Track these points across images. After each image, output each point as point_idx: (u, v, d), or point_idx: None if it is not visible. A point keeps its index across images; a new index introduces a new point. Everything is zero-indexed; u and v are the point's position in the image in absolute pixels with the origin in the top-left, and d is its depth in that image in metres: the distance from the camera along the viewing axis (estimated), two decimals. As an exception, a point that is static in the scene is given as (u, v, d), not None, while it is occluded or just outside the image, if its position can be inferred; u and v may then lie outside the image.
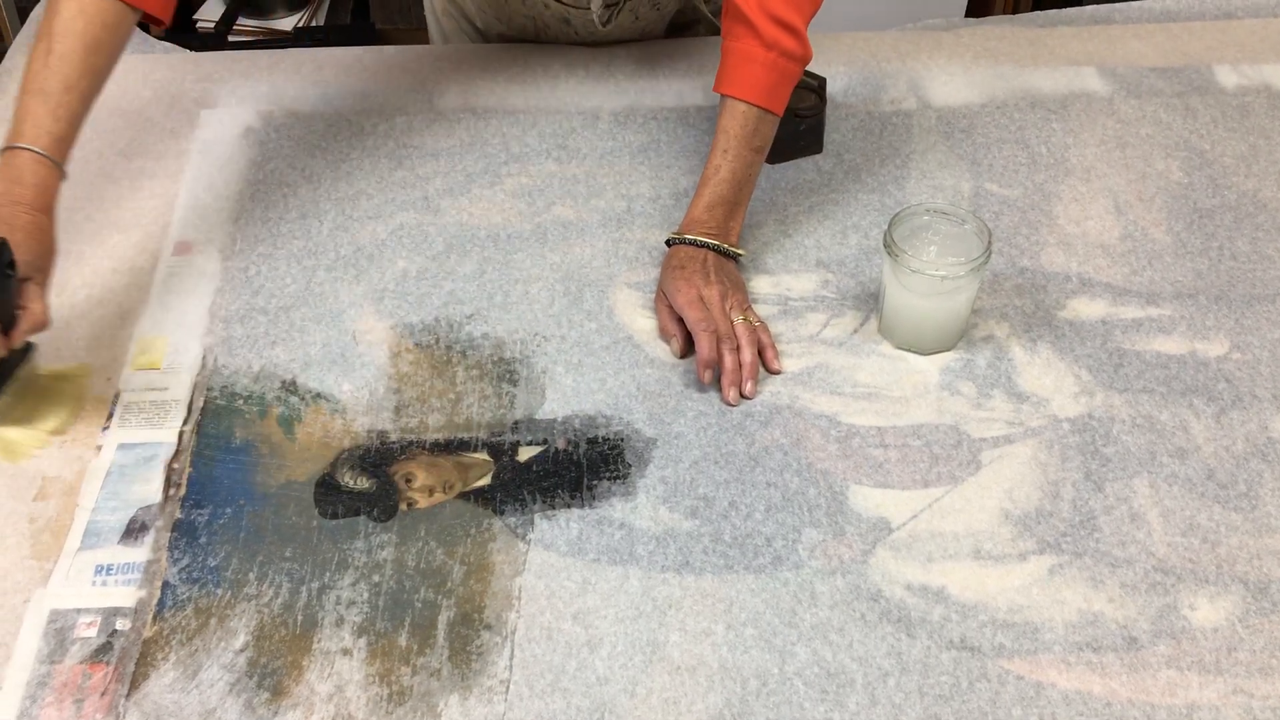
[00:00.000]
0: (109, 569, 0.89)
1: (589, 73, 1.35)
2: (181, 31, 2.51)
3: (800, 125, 1.24)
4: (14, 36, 1.44)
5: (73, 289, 1.11)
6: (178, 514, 0.93)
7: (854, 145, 1.27)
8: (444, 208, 1.20)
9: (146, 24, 1.09)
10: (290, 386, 1.03)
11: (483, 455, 0.98)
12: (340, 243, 1.16)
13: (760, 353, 1.04)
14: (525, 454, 0.98)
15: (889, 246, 1.01)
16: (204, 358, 1.05)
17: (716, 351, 1.02)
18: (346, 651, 0.85)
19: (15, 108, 0.97)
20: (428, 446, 0.98)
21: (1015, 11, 2.53)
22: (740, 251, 1.10)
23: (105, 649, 0.85)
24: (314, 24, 2.60)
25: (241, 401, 1.01)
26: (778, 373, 1.04)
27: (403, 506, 0.94)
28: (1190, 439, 0.99)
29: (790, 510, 0.93)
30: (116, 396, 1.01)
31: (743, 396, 1.02)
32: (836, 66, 1.35)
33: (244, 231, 1.17)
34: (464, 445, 0.98)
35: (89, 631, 0.85)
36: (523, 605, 0.87)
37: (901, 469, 0.97)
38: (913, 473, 0.96)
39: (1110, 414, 1.01)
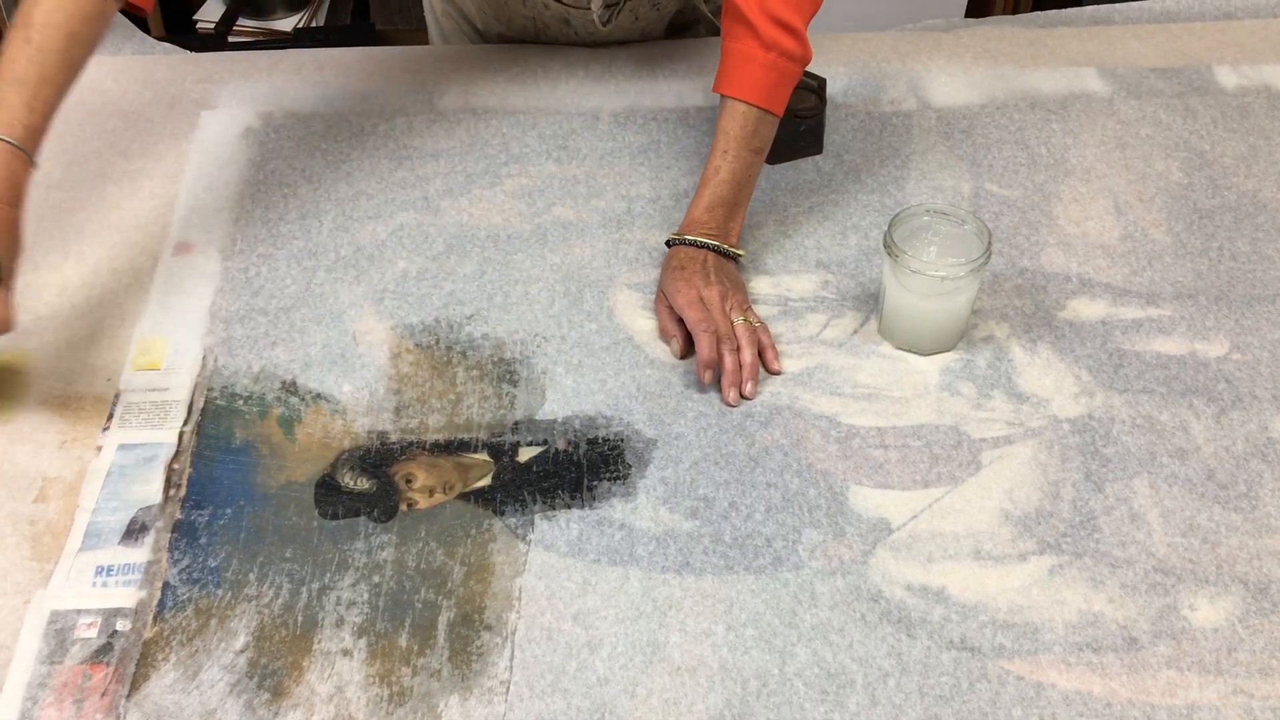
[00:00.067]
0: (109, 570, 0.89)
1: (589, 73, 1.35)
2: (181, 32, 2.51)
3: (800, 126, 1.24)
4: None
5: (73, 289, 1.11)
6: (178, 515, 0.93)
7: (854, 146, 1.28)
8: (444, 208, 1.20)
9: (132, 14, 1.08)
10: (290, 387, 1.03)
11: (483, 456, 0.98)
12: (340, 243, 1.16)
13: (760, 353, 1.04)
14: (525, 455, 0.98)
15: (889, 247, 1.01)
16: (204, 358, 1.05)
17: (716, 352, 1.02)
18: (347, 652, 0.85)
19: None
20: (428, 447, 0.98)
21: (1015, 12, 2.53)
22: (740, 252, 1.10)
23: (105, 650, 0.85)
24: (314, 25, 2.60)
25: (242, 402, 1.01)
26: (778, 373, 1.04)
27: (403, 507, 0.94)
28: (1190, 439, 0.99)
29: (790, 511, 0.93)
30: (117, 397, 1.01)
31: (743, 397, 1.02)
32: (836, 67, 1.35)
33: (244, 232, 1.17)
34: (464, 446, 0.98)
35: (89, 632, 0.85)
36: (523, 606, 0.87)
37: (901, 469, 0.97)
38: (913, 473, 0.96)
39: (1110, 414, 1.01)
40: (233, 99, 1.32)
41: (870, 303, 1.10)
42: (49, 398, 1.01)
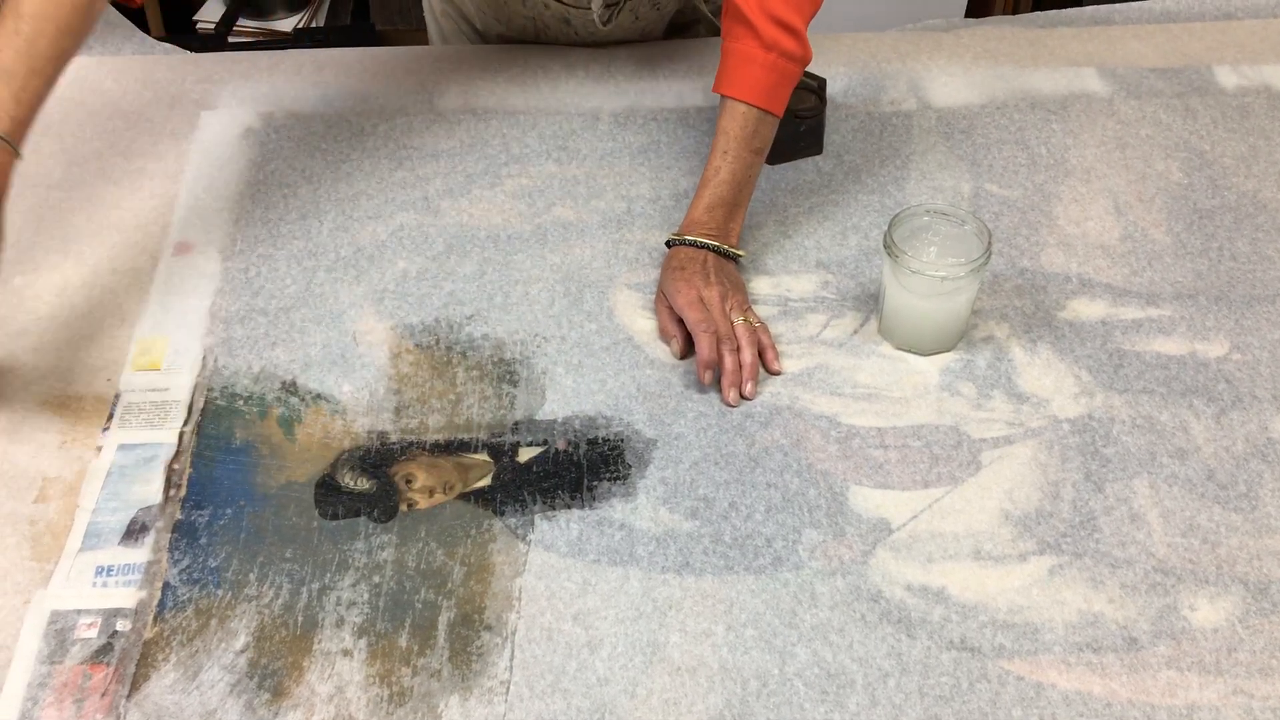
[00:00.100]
0: (109, 570, 0.89)
1: (589, 74, 1.35)
2: (181, 32, 2.51)
3: (800, 126, 1.24)
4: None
5: (73, 289, 1.11)
6: (178, 515, 0.93)
7: (854, 146, 1.28)
8: (444, 209, 1.20)
9: (124, 7, 1.07)
10: (290, 387, 1.03)
11: (483, 456, 0.98)
12: (340, 243, 1.16)
13: (760, 354, 1.04)
14: (525, 455, 0.98)
15: (889, 247, 1.01)
16: (204, 358, 1.05)
17: (717, 352, 1.02)
18: (347, 652, 0.85)
19: None
20: (428, 447, 0.98)
21: (1015, 12, 2.53)
22: (740, 252, 1.10)
23: (106, 650, 0.85)
24: (314, 25, 2.60)
25: (242, 402, 1.01)
26: (778, 373, 1.04)
27: (403, 507, 0.94)
28: (1190, 439, 0.99)
29: (790, 511, 0.93)
30: (117, 397, 1.01)
31: (743, 397, 1.02)
32: (836, 67, 1.35)
33: (244, 232, 1.17)
34: (464, 446, 0.98)
35: (89, 632, 0.86)
36: (523, 606, 0.87)
37: (901, 470, 0.97)
38: (913, 473, 0.96)
39: (1110, 415, 1.01)
40: (233, 99, 1.33)
41: (870, 303, 1.10)
42: (49, 398, 1.01)
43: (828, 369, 1.05)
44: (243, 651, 0.85)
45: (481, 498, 0.95)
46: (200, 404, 1.01)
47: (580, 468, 0.97)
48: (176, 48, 1.43)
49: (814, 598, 0.88)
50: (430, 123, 1.30)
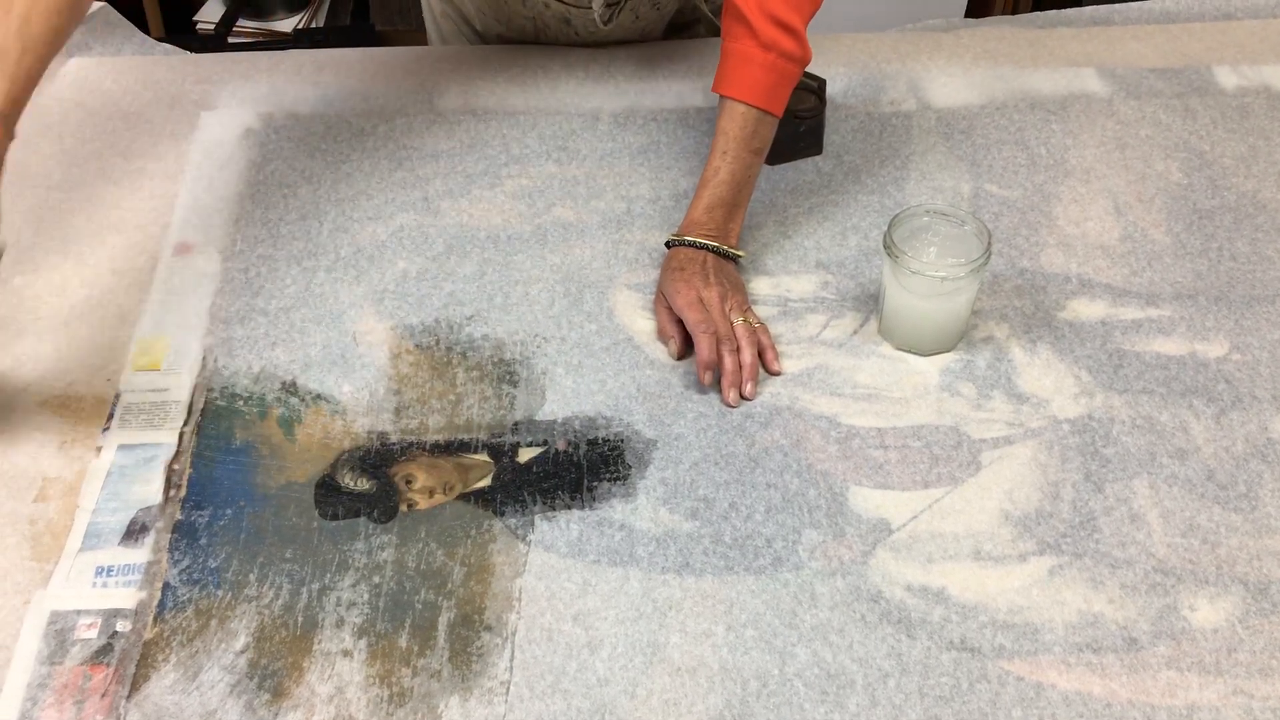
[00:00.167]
0: (109, 570, 0.89)
1: (589, 74, 1.35)
2: (181, 33, 2.51)
3: (800, 127, 1.24)
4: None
5: (73, 289, 1.11)
6: (178, 515, 0.93)
7: (854, 146, 1.28)
8: (444, 209, 1.20)
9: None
10: (290, 388, 1.03)
11: (483, 456, 0.98)
12: (340, 244, 1.16)
13: (760, 354, 1.04)
14: (525, 455, 0.98)
15: (889, 248, 1.01)
16: (204, 359, 1.05)
17: (716, 353, 1.02)
18: (347, 653, 0.85)
19: None
20: (428, 448, 0.98)
21: (1015, 12, 2.53)
22: (740, 253, 1.10)
23: (106, 650, 0.85)
24: (314, 25, 2.60)
25: (242, 403, 1.01)
26: (778, 374, 1.04)
27: (403, 508, 0.94)
28: (1190, 440, 0.99)
29: (790, 511, 0.93)
30: (117, 397, 1.01)
31: (743, 398, 1.02)
32: (836, 68, 1.35)
33: (244, 233, 1.17)
34: (464, 446, 0.98)
35: (89, 633, 0.85)
36: (523, 606, 0.87)
37: (901, 470, 0.97)
38: (913, 474, 0.96)
39: (1110, 415, 1.01)
40: (233, 100, 1.33)
41: (870, 303, 1.10)
42: (49, 398, 1.01)
43: (827, 369, 1.05)
44: (243, 652, 0.85)
45: (481, 498, 0.95)
46: (200, 404, 1.01)
47: (580, 468, 0.97)
48: (176, 48, 1.43)
49: (814, 598, 0.88)
50: (430, 123, 1.30)
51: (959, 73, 1.37)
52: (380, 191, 1.22)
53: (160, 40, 1.46)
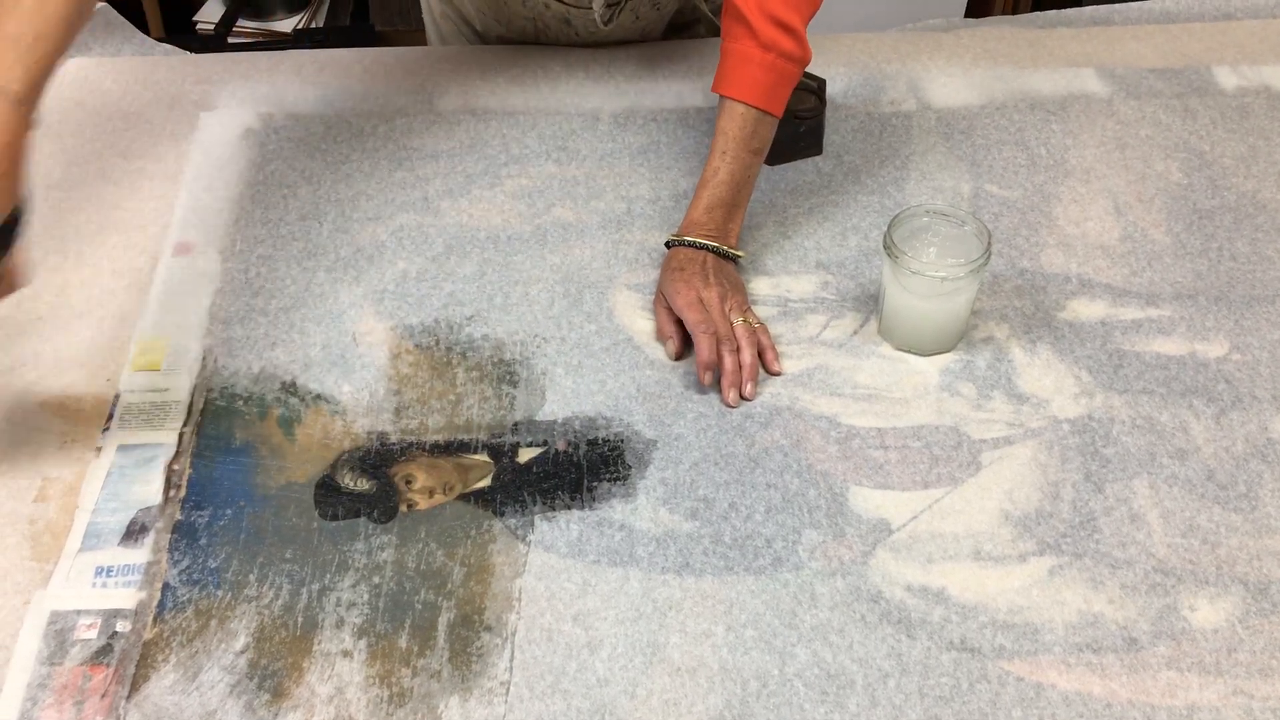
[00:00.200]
0: (109, 570, 0.89)
1: (589, 74, 1.35)
2: (181, 33, 2.51)
3: (800, 127, 1.24)
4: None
5: (73, 289, 1.11)
6: (178, 515, 0.93)
7: (853, 147, 1.28)
8: (444, 209, 1.20)
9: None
10: (290, 388, 1.03)
11: (483, 457, 0.98)
12: (340, 244, 1.16)
13: (760, 354, 1.04)
14: (525, 455, 0.98)
15: (889, 248, 1.01)
16: (204, 359, 1.05)
17: (716, 353, 1.02)
18: (347, 653, 0.85)
19: None
20: (428, 448, 0.98)
21: (1015, 12, 2.53)
22: (740, 253, 1.10)
23: (105, 651, 0.85)
24: (313, 26, 2.60)
25: (241, 403, 1.01)
26: (778, 374, 1.04)
27: (403, 508, 0.94)
28: (1190, 440, 0.99)
29: (790, 512, 0.93)
30: (116, 398, 1.01)
31: (742, 398, 1.02)
32: (836, 68, 1.35)
33: (244, 233, 1.17)
34: (464, 447, 0.98)
35: (89, 633, 0.85)
36: (523, 607, 0.87)
37: (901, 470, 0.97)
38: (913, 474, 0.96)
39: (1110, 415, 1.01)
40: (232, 100, 1.33)
41: (870, 303, 1.10)
42: (49, 398, 1.01)
43: (827, 369, 1.05)
44: (243, 652, 0.85)
45: (481, 498, 0.94)
46: (200, 404, 1.01)
47: (580, 468, 0.97)
48: (176, 48, 1.43)
49: (814, 598, 0.88)
50: (430, 123, 1.30)
51: (959, 73, 1.37)
52: (380, 191, 1.22)
53: (160, 40, 1.46)
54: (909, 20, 1.49)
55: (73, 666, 0.84)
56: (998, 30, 1.44)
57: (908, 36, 1.43)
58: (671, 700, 0.82)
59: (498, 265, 1.14)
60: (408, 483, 0.96)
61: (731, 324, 1.04)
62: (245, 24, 2.56)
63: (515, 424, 1.00)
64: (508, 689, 0.83)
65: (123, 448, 0.98)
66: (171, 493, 0.95)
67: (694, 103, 1.32)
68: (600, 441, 0.99)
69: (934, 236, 1.04)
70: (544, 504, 0.94)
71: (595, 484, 0.95)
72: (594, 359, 1.05)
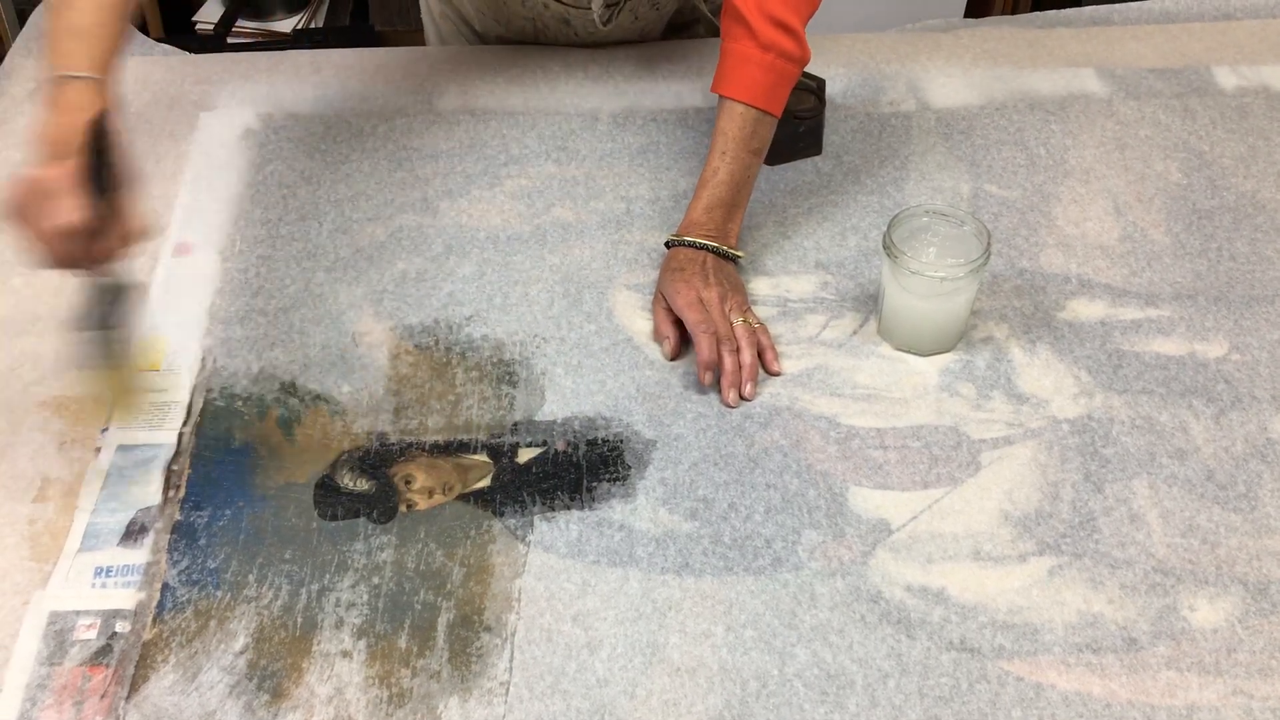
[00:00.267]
0: (108, 571, 0.89)
1: (588, 74, 1.35)
2: (181, 33, 2.51)
3: (799, 127, 1.24)
4: (13, 40, 1.44)
5: (73, 289, 1.10)
6: (177, 516, 0.93)
7: (853, 147, 1.28)
8: (443, 209, 1.20)
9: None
10: (289, 388, 1.03)
11: (482, 457, 0.98)
12: (339, 244, 1.16)
13: (760, 354, 1.04)
14: (525, 456, 0.98)
15: (888, 248, 1.01)
16: (203, 359, 1.05)
17: (716, 353, 1.02)
18: (346, 653, 0.85)
19: (46, 53, 0.92)
20: (427, 448, 0.98)
21: (1014, 12, 2.53)
22: (739, 253, 1.10)
23: (105, 651, 0.85)
24: (313, 26, 2.60)
25: (241, 403, 1.01)
26: (777, 374, 1.04)
27: (402, 508, 0.94)
28: (1190, 440, 0.99)
29: (790, 512, 0.93)
30: (116, 398, 1.01)
31: (742, 398, 1.02)
32: (835, 68, 1.35)
33: (243, 233, 1.17)
34: (463, 447, 0.98)
35: (88, 634, 0.85)
36: (522, 607, 0.87)
37: (901, 470, 0.97)
38: (912, 474, 0.96)
39: (1110, 415, 1.01)
40: (232, 100, 1.32)
41: (869, 303, 1.10)
42: (48, 398, 1.01)
43: (827, 370, 1.05)
44: (242, 653, 0.85)
45: (481, 499, 0.94)
46: (199, 405, 1.01)
47: (580, 469, 0.97)
48: (175, 49, 1.43)
49: (814, 598, 0.88)
50: (429, 123, 1.30)
51: (958, 73, 1.37)
52: (380, 192, 1.22)
53: (159, 41, 1.46)
54: (908, 20, 1.49)
55: (72, 667, 0.84)
56: (997, 30, 1.44)
57: (907, 37, 1.43)
58: (671, 700, 0.82)
59: (497, 265, 1.14)
60: (407, 483, 0.95)
61: (731, 324, 1.04)
62: (245, 24, 2.56)
63: (515, 424, 1.00)
64: (507, 689, 0.83)
65: (122, 448, 0.98)
66: (171, 493, 0.94)
67: (693, 103, 1.32)
68: (600, 442, 0.98)
69: (933, 236, 1.04)
70: (543, 504, 0.94)
71: (595, 484, 0.95)
72: (593, 359, 1.05)
